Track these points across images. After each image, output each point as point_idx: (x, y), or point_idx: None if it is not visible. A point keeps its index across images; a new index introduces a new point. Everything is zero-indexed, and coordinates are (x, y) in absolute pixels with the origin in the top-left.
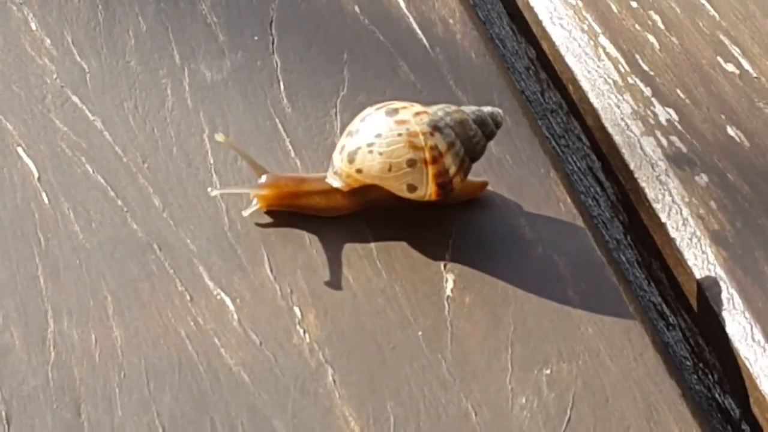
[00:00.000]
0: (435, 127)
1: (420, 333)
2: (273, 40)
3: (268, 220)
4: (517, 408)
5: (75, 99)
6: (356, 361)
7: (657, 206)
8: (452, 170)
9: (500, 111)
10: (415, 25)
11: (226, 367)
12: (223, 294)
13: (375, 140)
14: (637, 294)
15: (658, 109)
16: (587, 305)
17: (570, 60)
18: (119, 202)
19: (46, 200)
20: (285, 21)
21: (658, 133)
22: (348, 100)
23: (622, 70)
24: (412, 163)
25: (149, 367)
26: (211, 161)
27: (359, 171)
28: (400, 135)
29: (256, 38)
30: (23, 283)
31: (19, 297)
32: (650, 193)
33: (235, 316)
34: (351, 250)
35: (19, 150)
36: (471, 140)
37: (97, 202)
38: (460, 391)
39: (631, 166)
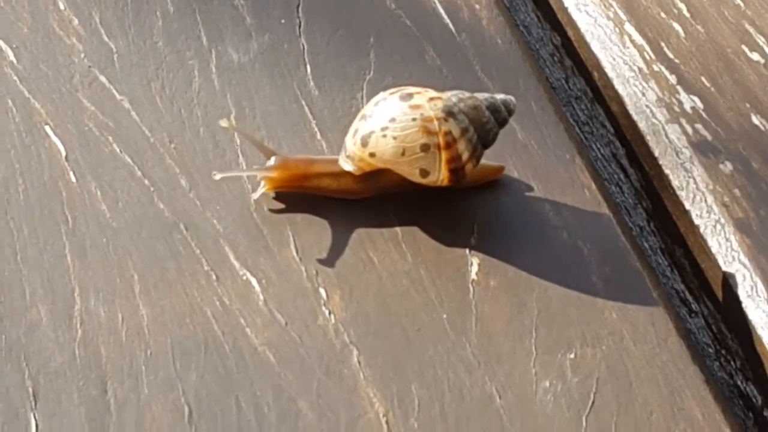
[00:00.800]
0: (449, 113)
1: (445, 316)
2: (300, 22)
3: (293, 202)
4: (541, 391)
5: (102, 79)
6: (381, 343)
7: (681, 193)
8: (465, 156)
9: (513, 98)
10: (441, 10)
11: (252, 347)
12: (248, 274)
13: (389, 124)
14: (660, 281)
15: (683, 96)
16: (611, 291)
17: (595, 47)
18: (146, 182)
19: (73, 179)
20: (312, 4)
21: (683, 121)
22: (374, 84)
23: (648, 57)
24: (425, 148)
25: (175, 346)
26: (238, 142)
27: (372, 155)
28: (414, 120)
29: (283, 21)
30: (50, 261)
31: (47, 274)
32: (675, 180)
33: (261, 297)
34: (376, 233)
35: (47, 129)
36: (484, 127)
37: (124, 182)
38: (484, 374)
39: (656, 153)
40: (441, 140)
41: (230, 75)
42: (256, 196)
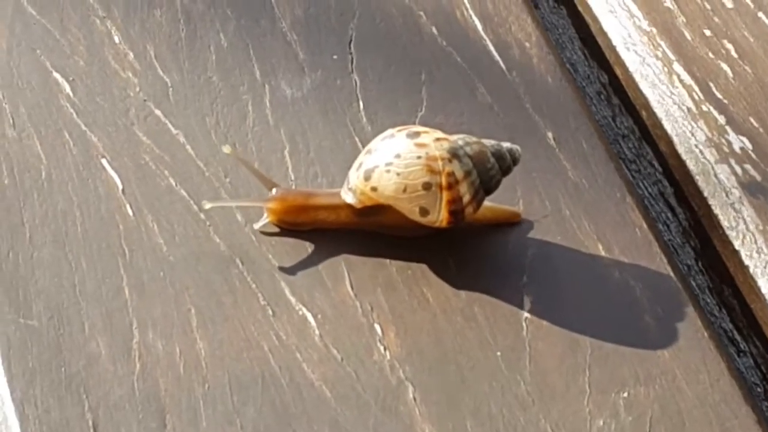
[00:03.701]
0: (454, 155)
1: (499, 353)
2: (352, 59)
3: (347, 238)
4: (595, 430)
5: (158, 112)
6: (436, 380)
7: (731, 233)
8: (466, 199)
9: (518, 148)
10: (491, 48)
11: (308, 382)
12: (304, 309)
13: (393, 160)
14: (709, 320)
15: (732, 137)
16: (663, 330)
17: (644, 86)
18: (202, 216)
19: (130, 212)
20: (364, 40)
21: (732, 161)
22: (426, 120)
23: (696, 97)
24: (427, 186)
25: (233, 380)
26: (292, 177)
27: (374, 189)
28: (419, 158)
29: (335, 57)
30: (108, 294)
31: (105, 307)
32: (724, 221)
33: (317, 332)
34: (430, 270)
35: (104, 162)
36: (488, 173)
37: (181, 216)
38: (538, 411)
39: (705, 193)
40: (443, 180)
41: (284, 110)
42: (257, 226)
